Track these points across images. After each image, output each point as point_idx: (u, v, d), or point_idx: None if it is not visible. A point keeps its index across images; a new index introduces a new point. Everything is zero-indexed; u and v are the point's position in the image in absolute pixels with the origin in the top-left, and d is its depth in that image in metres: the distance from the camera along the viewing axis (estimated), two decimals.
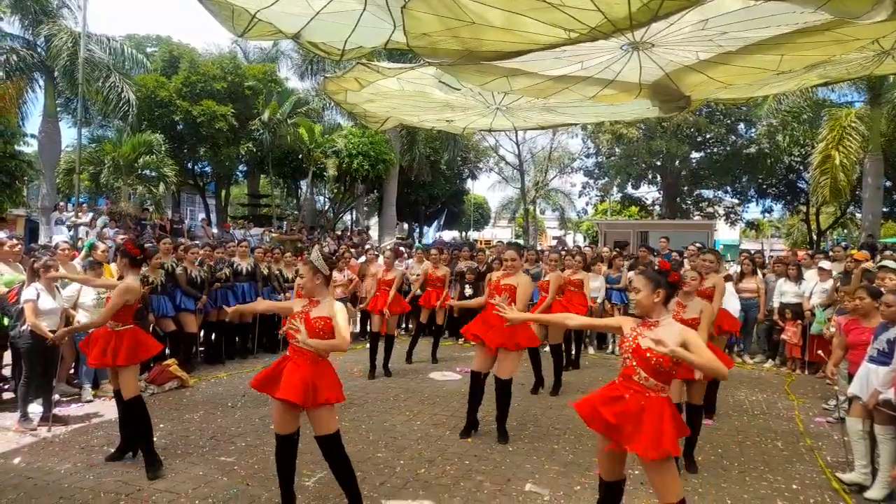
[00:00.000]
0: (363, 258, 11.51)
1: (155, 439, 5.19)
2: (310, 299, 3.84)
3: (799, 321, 8.68)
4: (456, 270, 10.55)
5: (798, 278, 8.92)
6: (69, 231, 12.72)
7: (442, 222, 20.36)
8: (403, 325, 11.30)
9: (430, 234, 19.69)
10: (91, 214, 14.76)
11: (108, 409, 5.91)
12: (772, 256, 11.03)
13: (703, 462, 4.96)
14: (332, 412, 3.73)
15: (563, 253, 8.93)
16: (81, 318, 6.28)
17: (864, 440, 4.49)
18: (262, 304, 5.37)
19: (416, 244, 18.36)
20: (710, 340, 5.26)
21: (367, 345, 9.81)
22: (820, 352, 6.50)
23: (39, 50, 17.37)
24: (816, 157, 17.58)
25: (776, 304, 8.94)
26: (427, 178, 26.82)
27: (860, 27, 4.48)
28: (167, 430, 5.49)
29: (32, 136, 18.84)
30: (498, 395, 5.46)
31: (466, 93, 7.11)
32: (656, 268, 3.45)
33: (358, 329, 11.02)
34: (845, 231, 33.17)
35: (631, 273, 3.28)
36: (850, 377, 4.80)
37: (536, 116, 8.51)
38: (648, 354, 3.05)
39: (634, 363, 3.11)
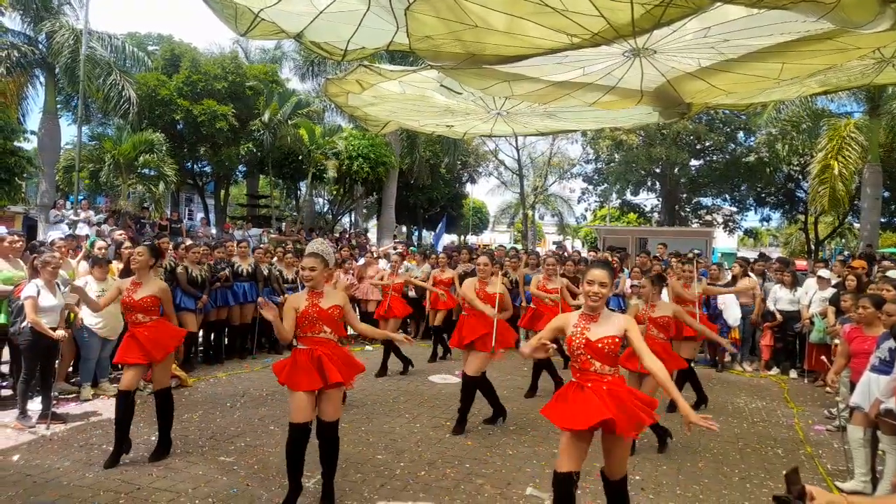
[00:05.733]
0: (362, 260, 11.52)
1: (153, 438, 5.21)
2: (313, 291, 4.02)
3: (766, 324, 9.01)
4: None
5: (793, 285, 8.93)
6: (68, 229, 12.71)
7: (444, 225, 20.28)
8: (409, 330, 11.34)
9: (439, 239, 19.59)
10: (91, 212, 14.75)
11: (106, 408, 5.90)
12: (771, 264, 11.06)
13: (704, 469, 4.97)
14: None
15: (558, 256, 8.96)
16: (85, 315, 6.28)
17: (864, 448, 4.49)
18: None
19: (414, 247, 18.35)
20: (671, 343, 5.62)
21: (366, 347, 9.93)
22: (823, 358, 6.53)
23: (41, 46, 17.37)
24: (815, 167, 17.61)
25: (773, 309, 8.96)
26: (426, 181, 26.85)
27: (862, 36, 4.50)
28: None
29: (32, 132, 18.81)
30: (462, 390, 5.78)
31: (467, 97, 7.13)
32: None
33: None
34: (843, 240, 33.27)
35: (598, 271, 3.42)
36: (853, 385, 4.81)
37: (537, 122, 8.52)
38: (600, 345, 3.22)
39: (589, 356, 3.25)
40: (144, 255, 4.79)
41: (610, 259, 10.33)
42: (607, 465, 3.36)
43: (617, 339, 3.22)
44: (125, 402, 4.59)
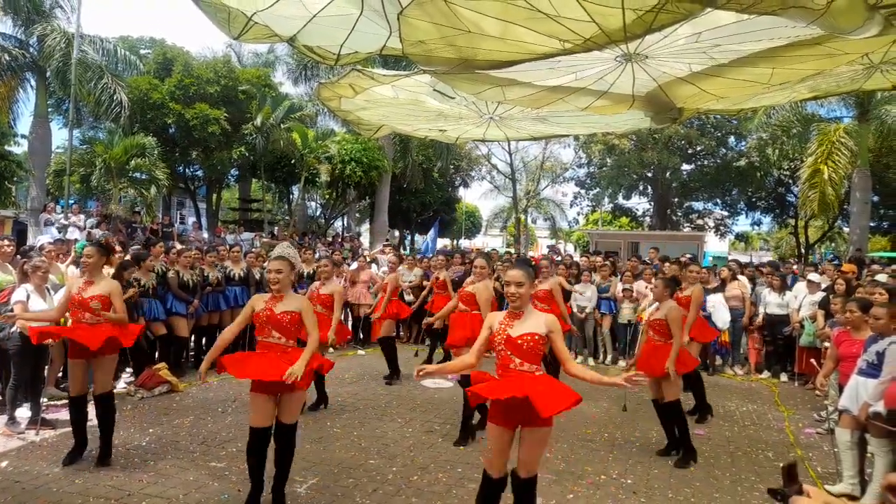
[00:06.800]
0: (354, 264, 11.50)
1: (144, 444, 5.18)
2: (274, 295, 4.02)
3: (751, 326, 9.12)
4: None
5: (782, 289, 8.97)
6: (58, 233, 12.64)
7: (436, 229, 20.30)
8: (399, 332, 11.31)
9: (429, 242, 19.57)
10: (82, 217, 14.67)
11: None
12: (761, 269, 11.13)
13: (695, 472, 4.98)
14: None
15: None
16: None
17: (851, 451, 4.52)
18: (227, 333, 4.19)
19: (407, 251, 18.35)
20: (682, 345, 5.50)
21: (358, 351, 9.91)
22: (813, 361, 6.57)
23: (32, 50, 17.31)
24: (805, 172, 17.76)
25: (760, 312, 9.04)
26: (419, 185, 26.86)
27: (851, 42, 4.56)
28: (157, 435, 5.44)
29: (23, 136, 18.73)
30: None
31: (460, 102, 7.15)
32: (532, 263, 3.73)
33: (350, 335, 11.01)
34: (833, 244, 33.52)
35: (514, 271, 3.44)
36: (841, 389, 4.84)
37: (529, 127, 8.55)
38: (520, 341, 3.25)
39: (509, 352, 3.28)
40: (94, 256, 4.71)
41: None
42: (519, 459, 3.32)
43: (537, 337, 3.25)
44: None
